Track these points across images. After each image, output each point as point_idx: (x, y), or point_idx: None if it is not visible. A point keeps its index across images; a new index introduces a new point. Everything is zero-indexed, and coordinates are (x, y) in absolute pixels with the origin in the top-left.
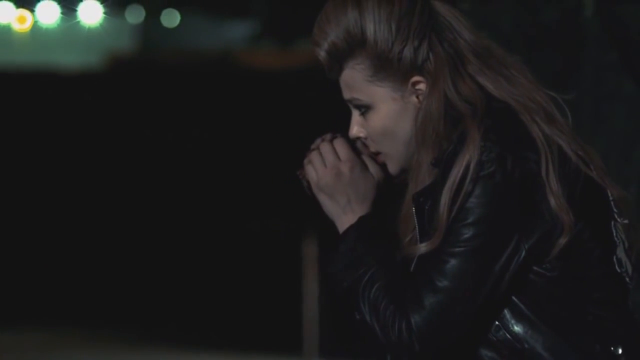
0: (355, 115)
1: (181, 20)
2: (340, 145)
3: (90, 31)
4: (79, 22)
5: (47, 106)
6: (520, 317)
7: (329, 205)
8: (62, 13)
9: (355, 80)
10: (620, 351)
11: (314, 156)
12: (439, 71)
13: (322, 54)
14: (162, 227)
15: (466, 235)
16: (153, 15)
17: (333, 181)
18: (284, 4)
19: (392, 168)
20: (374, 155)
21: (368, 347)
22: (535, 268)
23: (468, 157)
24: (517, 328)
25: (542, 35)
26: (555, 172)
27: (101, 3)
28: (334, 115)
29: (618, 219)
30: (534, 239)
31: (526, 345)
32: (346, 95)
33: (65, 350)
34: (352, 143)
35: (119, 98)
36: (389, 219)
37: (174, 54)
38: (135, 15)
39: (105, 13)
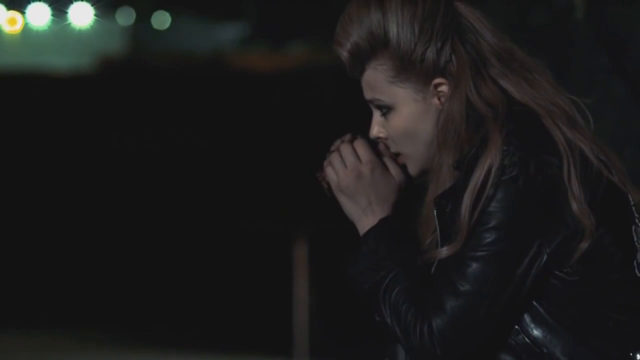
0: (376, 115)
1: (172, 22)
2: (360, 146)
3: (81, 33)
4: (69, 24)
5: (38, 108)
6: (539, 322)
7: (349, 206)
8: (52, 15)
9: (377, 80)
10: (639, 357)
11: (334, 157)
12: (461, 73)
13: (344, 54)
14: (153, 229)
15: (488, 240)
16: (143, 17)
17: (354, 182)
18: (274, 6)
19: (413, 169)
20: (395, 157)
21: (361, 349)
22: (555, 272)
23: (490, 161)
24: (536, 332)
25: (533, 37)
26: (577, 177)
27: (92, 5)
28: (326, 116)
29: (639, 224)
30: (556, 243)
31: (545, 350)
32: (367, 95)
33: (57, 353)
34: (372, 144)
35: (109, 100)
36: (409, 220)
37: (165, 56)
38: (125, 17)
39: (95, 15)
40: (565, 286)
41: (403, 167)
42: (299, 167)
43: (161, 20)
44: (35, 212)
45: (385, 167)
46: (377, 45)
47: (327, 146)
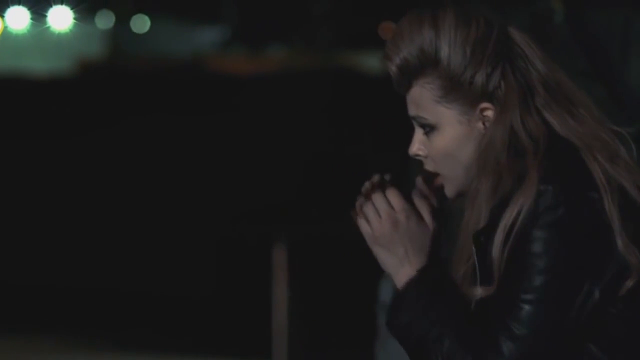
0: (419, 133)
1: (151, 26)
2: (393, 195)
3: (60, 36)
4: (48, 27)
5: (17, 112)
6: (592, 359)
7: (385, 257)
8: (32, 19)
9: (423, 98)
10: None
11: (367, 208)
12: (508, 101)
13: (393, 68)
14: (136, 232)
15: (539, 282)
16: (123, 20)
17: (390, 231)
18: (254, 10)
19: (449, 191)
20: (432, 177)
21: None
22: (606, 309)
23: (522, 201)
24: None
25: None
26: (618, 213)
27: (71, 8)
28: (306, 119)
29: None
30: (605, 281)
31: None
32: (412, 112)
33: (40, 355)
34: (403, 193)
35: (88, 103)
36: (442, 248)
37: (144, 59)
38: (105, 21)
39: (75, 18)
40: (616, 323)
41: (439, 190)
42: (279, 170)
43: (140, 23)
44: (17, 215)
45: (419, 215)
46: (426, 64)
47: (310, 150)
